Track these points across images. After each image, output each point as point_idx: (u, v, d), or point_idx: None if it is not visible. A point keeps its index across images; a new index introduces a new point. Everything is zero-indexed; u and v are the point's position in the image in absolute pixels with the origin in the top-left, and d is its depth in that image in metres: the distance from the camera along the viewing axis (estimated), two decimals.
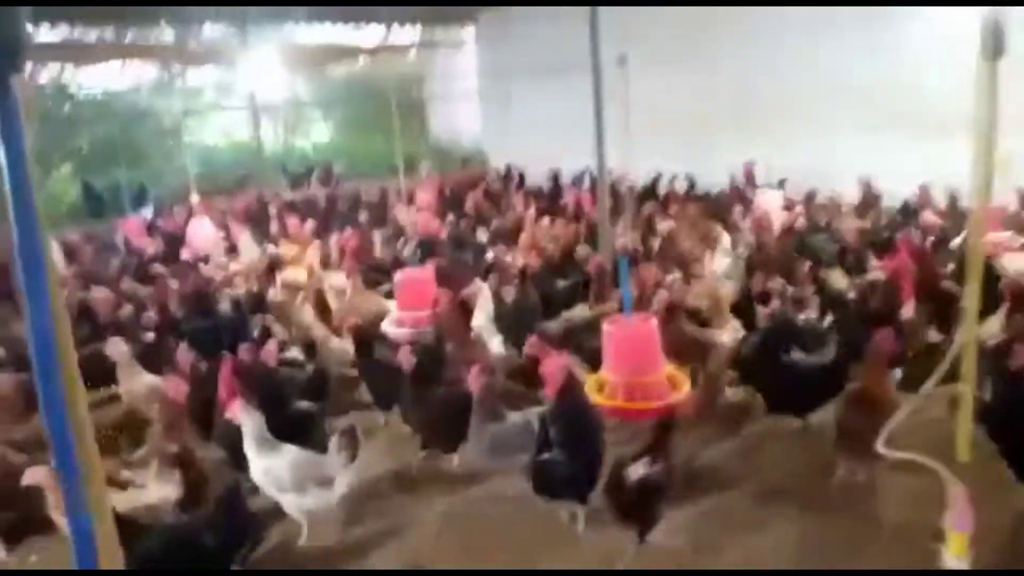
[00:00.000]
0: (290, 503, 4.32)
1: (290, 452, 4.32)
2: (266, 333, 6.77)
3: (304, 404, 5.20)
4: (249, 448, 4.31)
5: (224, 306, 7.37)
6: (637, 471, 3.98)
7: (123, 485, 4.37)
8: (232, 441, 4.53)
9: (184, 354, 5.50)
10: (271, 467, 4.26)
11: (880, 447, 2.85)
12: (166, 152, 16.36)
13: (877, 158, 10.06)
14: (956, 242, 8.23)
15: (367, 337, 5.98)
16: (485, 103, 18.47)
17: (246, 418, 4.33)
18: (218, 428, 4.83)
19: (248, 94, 15.19)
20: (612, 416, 4.93)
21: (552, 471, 4.12)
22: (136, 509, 4.04)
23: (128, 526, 3.72)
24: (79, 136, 16.16)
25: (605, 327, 5.07)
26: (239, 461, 4.48)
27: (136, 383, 5.57)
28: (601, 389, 4.98)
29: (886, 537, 4.08)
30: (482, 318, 6.54)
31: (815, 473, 4.78)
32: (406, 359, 5.08)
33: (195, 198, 11.20)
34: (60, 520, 3.83)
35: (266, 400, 5.05)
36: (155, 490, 4.29)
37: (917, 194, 9.55)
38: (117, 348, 5.64)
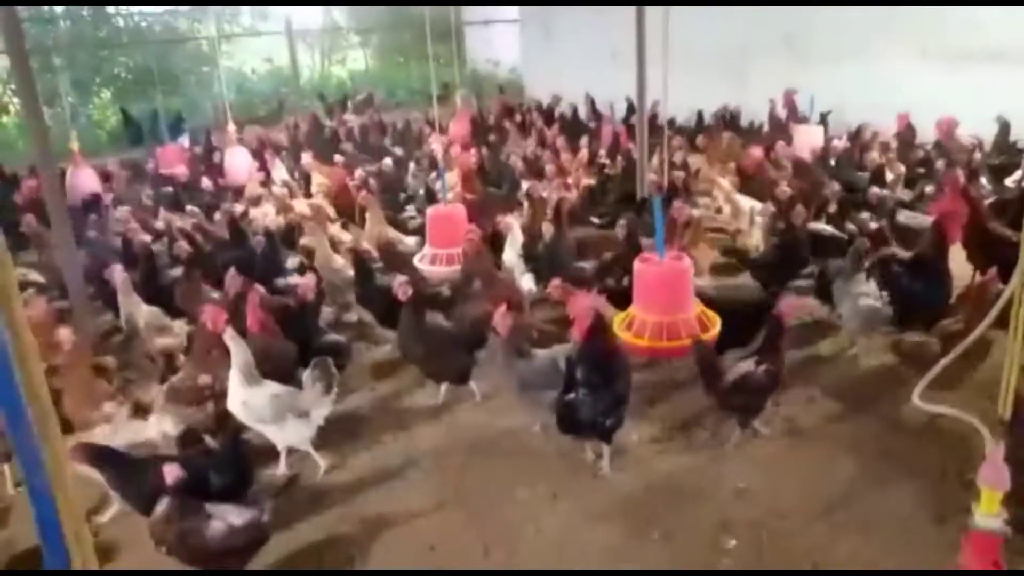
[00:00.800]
0: (270, 435, 4.39)
1: (269, 386, 4.36)
2: (303, 266, 6.80)
3: (333, 336, 5.23)
4: (234, 379, 4.33)
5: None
6: (739, 369, 4.32)
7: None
8: (264, 370, 4.59)
9: (232, 280, 5.55)
10: (250, 400, 4.29)
11: (915, 398, 2.76)
12: (202, 79, 16.31)
13: (930, 90, 9.60)
14: (1014, 178, 7.89)
15: (366, 262, 6.11)
16: (525, 31, 18.01)
17: (236, 348, 4.34)
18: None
19: (285, 19, 15.00)
20: (640, 355, 4.88)
21: (578, 410, 4.11)
22: (133, 444, 4.10)
23: (125, 460, 3.83)
24: (117, 62, 16.15)
25: (636, 265, 4.98)
26: None
27: (136, 313, 5.57)
28: (630, 326, 4.92)
29: (917, 484, 4.02)
30: (511, 254, 6.46)
31: (845, 414, 4.76)
32: (402, 291, 5.08)
33: (231, 127, 11.15)
34: None
35: (295, 331, 5.12)
36: (155, 424, 4.32)
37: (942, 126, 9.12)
38: (118, 276, 5.63)
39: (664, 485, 4.19)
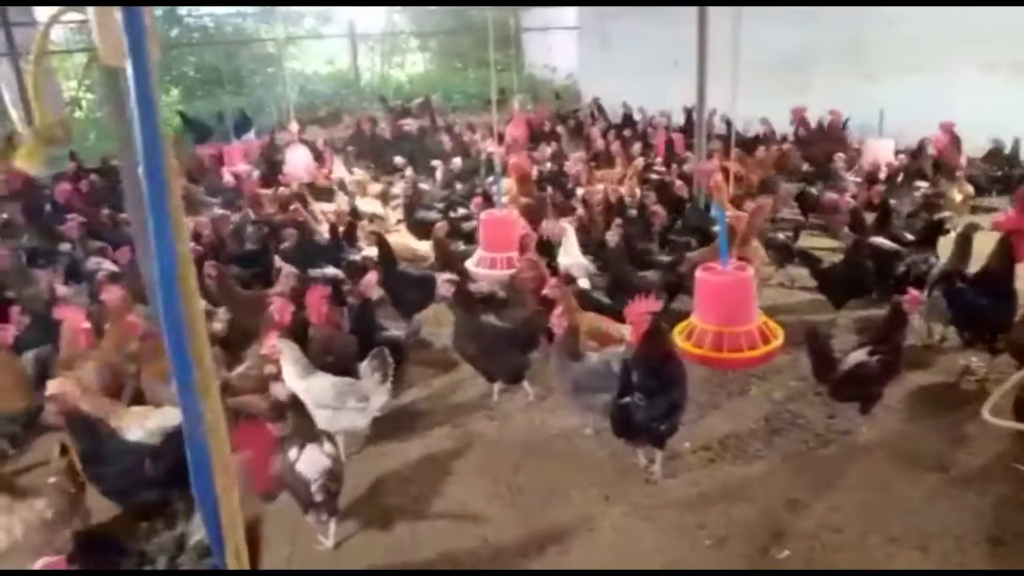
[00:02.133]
0: (328, 419, 4.46)
1: (327, 376, 4.53)
2: (363, 263, 6.97)
3: (393, 331, 5.36)
4: (288, 373, 4.47)
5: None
6: (853, 358, 4.49)
7: None
8: (325, 360, 4.75)
9: (286, 276, 5.74)
10: (311, 387, 4.43)
11: (986, 414, 2.72)
12: (267, 79, 16.73)
13: (992, 105, 9.40)
14: None
15: (388, 249, 6.46)
16: (583, 37, 18.06)
17: (285, 347, 4.51)
18: (312, 345, 5.03)
19: (347, 22, 15.29)
20: (698, 364, 4.88)
21: (633, 414, 4.13)
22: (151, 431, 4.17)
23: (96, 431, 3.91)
24: (186, 61, 16.67)
25: (698, 274, 4.98)
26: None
27: None
28: (690, 335, 4.93)
29: (976, 503, 3.96)
30: (567, 257, 6.51)
31: (905, 427, 4.70)
32: (446, 288, 5.20)
33: (294, 126, 11.43)
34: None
35: (357, 326, 5.26)
36: (174, 412, 4.36)
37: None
38: None
39: (716, 493, 4.20)
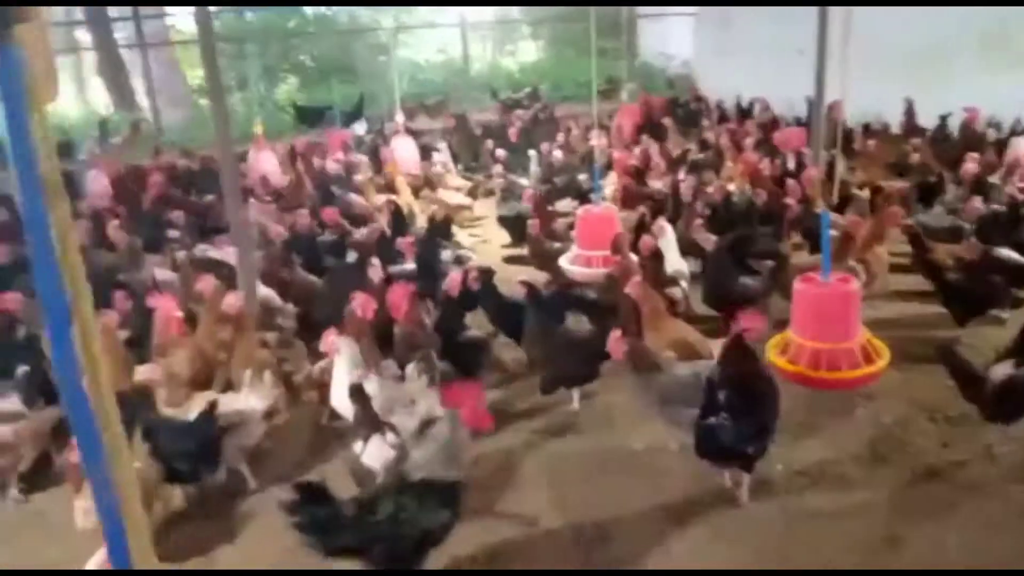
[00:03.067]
0: None
1: (374, 379, 4.42)
2: (457, 260, 6.93)
3: (474, 332, 5.29)
4: (339, 374, 4.41)
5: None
6: (1001, 371, 4.08)
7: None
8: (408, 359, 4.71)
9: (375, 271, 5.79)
10: None
11: None
12: (379, 68, 17.07)
13: None
14: None
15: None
16: (700, 24, 17.40)
17: (345, 346, 4.44)
18: (397, 343, 5.03)
19: (459, 10, 15.35)
20: (792, 382, 4.54)
21: (718, 435, 3.87)
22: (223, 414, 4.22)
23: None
24: (303, 50, 17.25)
25: (796, 285, 4.63)
26: None
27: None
28: (784, 351, 4.59)
29: None
30: (672, 258, 6.23)
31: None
32: (520, 288, 5.07)
33: (400, 117, 11.55)
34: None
35: (441, 325, 5.22)
36: (243, 398, 4.45)
37: None
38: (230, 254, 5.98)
39: (806, 523, 3.88)
